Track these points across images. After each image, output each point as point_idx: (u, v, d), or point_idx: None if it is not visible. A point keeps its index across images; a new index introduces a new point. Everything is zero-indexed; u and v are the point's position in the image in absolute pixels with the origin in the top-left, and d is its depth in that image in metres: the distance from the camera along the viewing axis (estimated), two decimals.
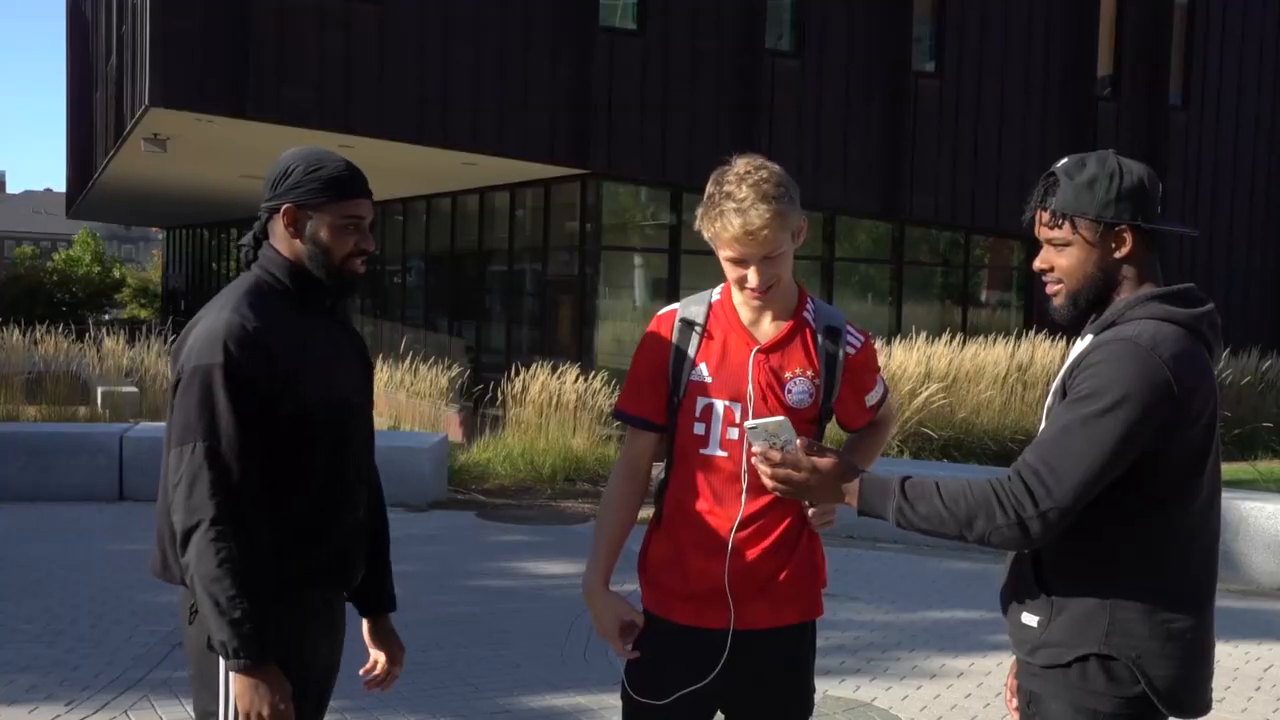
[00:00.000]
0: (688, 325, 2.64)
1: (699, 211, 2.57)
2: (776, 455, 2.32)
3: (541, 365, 13.12)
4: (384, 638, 2.94)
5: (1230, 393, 15.38)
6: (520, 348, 18.16)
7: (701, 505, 2.59)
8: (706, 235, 2.56)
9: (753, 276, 2.52)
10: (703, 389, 2.59)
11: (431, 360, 15.86)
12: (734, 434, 2.57)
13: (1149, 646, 2.22)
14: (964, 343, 13.99)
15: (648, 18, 16.00)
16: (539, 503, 10.14)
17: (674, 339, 2.64)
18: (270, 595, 2.37)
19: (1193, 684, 2.28)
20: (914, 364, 12.83)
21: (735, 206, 2.47)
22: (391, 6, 14.51)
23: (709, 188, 2.54)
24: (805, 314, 2.65)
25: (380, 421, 15.63)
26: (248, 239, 2.62)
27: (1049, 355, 13.90)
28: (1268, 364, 16.47)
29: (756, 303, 2.58)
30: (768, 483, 2.35)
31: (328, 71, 14.24)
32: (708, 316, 2.64)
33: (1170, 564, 2.25)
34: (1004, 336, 14.28)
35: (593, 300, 16.59)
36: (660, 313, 2.71)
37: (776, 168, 2.54)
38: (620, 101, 15.84)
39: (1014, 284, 19.90)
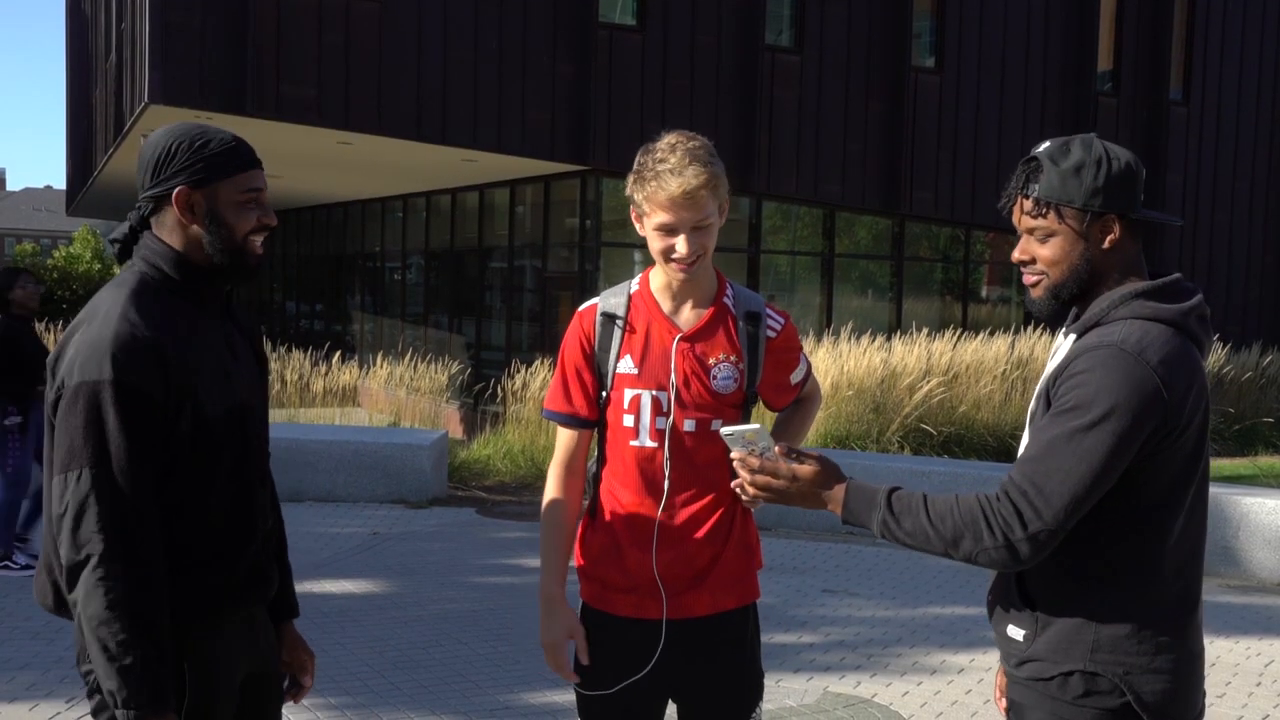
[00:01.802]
0: (609, 319, 2.65)
1: (629, 178, 2.56)
2: (755, 462, 2.27)
3: (542, 362, 13.12)
4: (290, 646, 2.62)
5: (1231, 388, 15.39)
6: (520, 344, 18.17)
7: (633, 497, 2.61)
8: (637, 199, 2.54)
9: (681, 245, 2.50)
10: (629, 381, 2.60)
11: (431, 357, 15.86)
12: (662, 424, 2.59)
13: (1136, 662, 2.14)
14: (964, 338, 14.00)
15: (647, 14, 15.99)
16: (539, 499, 10.13)
17: (596, 333, 2.65)
18: (167, 635, 2.14)
19: (1184, 696, 2.20)
20: (914, 359, 12.84)
21: (670, 169, 2.47)
22: (390, 3, 14.50)
23: (639, 158, 2.54)
24: (725, 300, 2.66)
25: (380, 419, 15.63)
26: (120, 233, 2.37)
27: (1049, 350, 13.90)
28: (1268, 359, 16.48)
29: (682, 276, 2.57)
30: (748, 489, 2.32)
31: (327, 69, 14.24)
32: (628, 308, 2.65)
33: (1157, 575, 2.16)
34: (1004, 332, 14.28)
35: (593, 296, 16.57)
36: (580, 308, 2.72)
37: (704, 138, 2.56)
38: (620, 97, 15.83)
39: (1014, 279, 19.89)
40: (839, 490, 2.25)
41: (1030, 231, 2.22)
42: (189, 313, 2.29)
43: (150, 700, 2.10)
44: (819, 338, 13.89)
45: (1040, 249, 2.21)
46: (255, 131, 14.79)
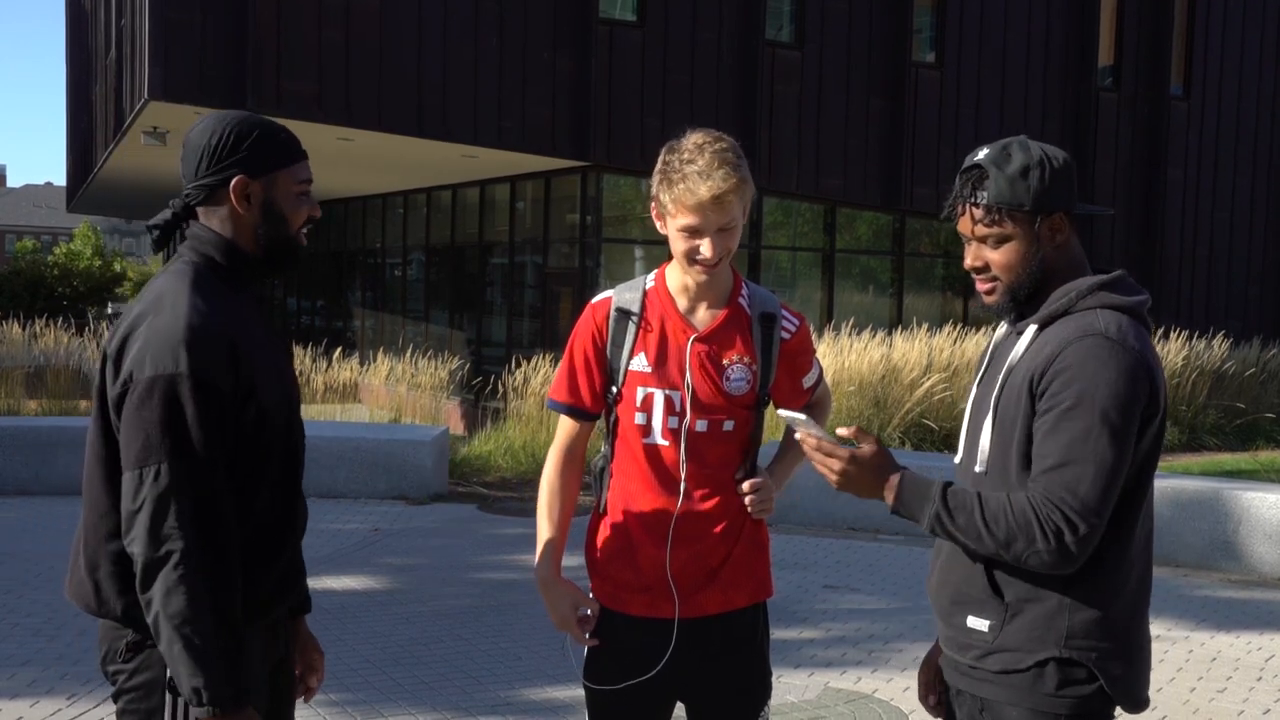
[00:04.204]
0: (624, 315, 2.62)
1: (654, 180, 2.52)
2: (814, 440, 2.25)
3: (542, 357, 13.12)
4: (302, 644, 2.58)
5: (1232, 383, 15.37)
6: (521, 340, 18.16)
7: (646, 495, 2.59)
8: (664, 200, 2.50)
9: (706, 248, 2.48)
10: (642, 379, 2.59)
11: (432, 353, 15.86)
12: (674, 423, 2.57)
13: (1105, 646, 2.18)
14: (965, 333, 13.98)
15: (647, 9, 15.97)
16: None
17: (610, 328, 2.62)
18: (243, 628, 2.15)
19: (1143, 679, 2.26)
20: (915, 355, 12.82)
21: (698, 171, 2.43)
22: None
23: (664, 157, 2.50)
24: (740, 300, 2.64)
25: (381, 415, 15.63)
26: (161, 219, 2.30)
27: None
28: (1270, 354, 16.46)
29: (704, 277, 2.55)
30: (819, 465, 2.28)
31: (328, 64, 14.23)
32: (643, 305, 2.62)
33: (1123, 559, 2.20)
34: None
35: (593, 292, 16.36)
36: (594, 301, 2.69)
37: (731, 139, 2.52)
38: (620, 93, 15.82)
39: None
40: (894, 479, 2.23)
41: (983, 239, 2.25)
42: (237, 301, 2.25)
43: (234, 697, 2.09)
44: (820, 333, 13.89)
45: (993, 254, 2.24)
46: None
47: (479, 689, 5.18)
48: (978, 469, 2.27)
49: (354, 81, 14.39)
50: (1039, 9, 18.49)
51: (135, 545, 2.08)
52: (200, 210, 2.27)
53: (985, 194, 2.21)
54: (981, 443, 2.26)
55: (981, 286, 2.29)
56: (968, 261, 2.30)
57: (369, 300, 24.59)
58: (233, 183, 2.22)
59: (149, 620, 2.10)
